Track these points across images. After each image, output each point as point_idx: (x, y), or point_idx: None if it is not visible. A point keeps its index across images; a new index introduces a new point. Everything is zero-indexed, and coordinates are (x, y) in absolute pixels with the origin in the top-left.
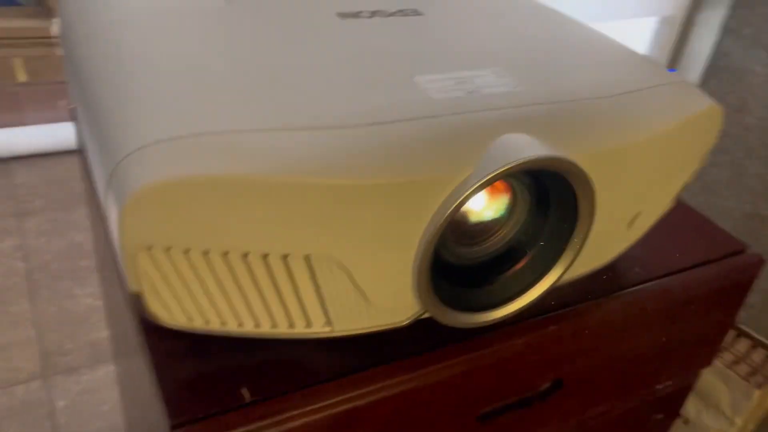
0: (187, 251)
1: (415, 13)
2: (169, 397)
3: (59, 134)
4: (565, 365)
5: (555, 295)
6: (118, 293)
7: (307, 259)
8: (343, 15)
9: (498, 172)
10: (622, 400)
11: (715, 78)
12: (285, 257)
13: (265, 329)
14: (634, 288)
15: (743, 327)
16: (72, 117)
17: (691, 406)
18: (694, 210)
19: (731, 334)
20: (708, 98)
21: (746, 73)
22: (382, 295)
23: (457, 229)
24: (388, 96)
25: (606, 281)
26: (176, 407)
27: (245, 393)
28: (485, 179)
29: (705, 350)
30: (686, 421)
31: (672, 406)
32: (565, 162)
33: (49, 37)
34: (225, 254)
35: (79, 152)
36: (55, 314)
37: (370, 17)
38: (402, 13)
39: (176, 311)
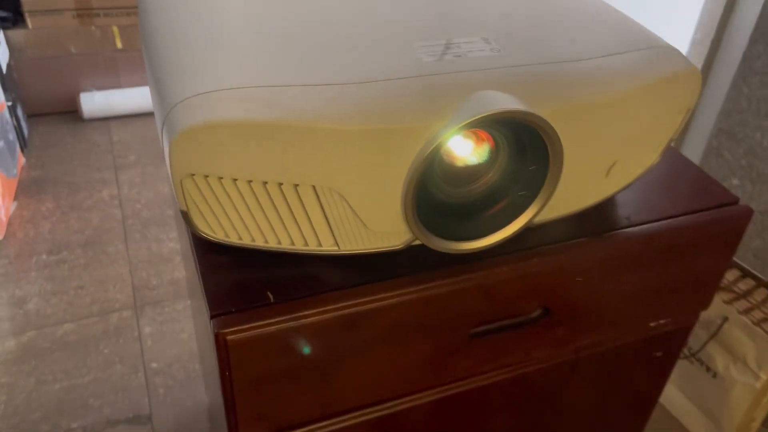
0: (220, 178)
1: None
2: (211, 296)
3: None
4: (551, 296)
5: (543, 233)
6: (187, 235)
7: (314, 188)
8: None
9: (466, 122)
10: (614, 333)
11: (761, 42)
12: (296, 186)
13: (285, 245)
14: (619, 231)
15: None
16: None
17: (719, 360)
18: (696, 166)
19: (763, 292)
20: (687, 62)
21: None
22: (378, 222)
23: (448, 172)
24: (387, 58)
25: (594, 224)
26: (215, 303)
27: (269, 295)
28: (455, 129)
29: (699, 294)
30: (715, 375)
31: (671, 344)
32: (529, 115)
33: None
34: (249, 182)
35: None
36: (145, 255)
37: None
38: None
39: (215, 227)
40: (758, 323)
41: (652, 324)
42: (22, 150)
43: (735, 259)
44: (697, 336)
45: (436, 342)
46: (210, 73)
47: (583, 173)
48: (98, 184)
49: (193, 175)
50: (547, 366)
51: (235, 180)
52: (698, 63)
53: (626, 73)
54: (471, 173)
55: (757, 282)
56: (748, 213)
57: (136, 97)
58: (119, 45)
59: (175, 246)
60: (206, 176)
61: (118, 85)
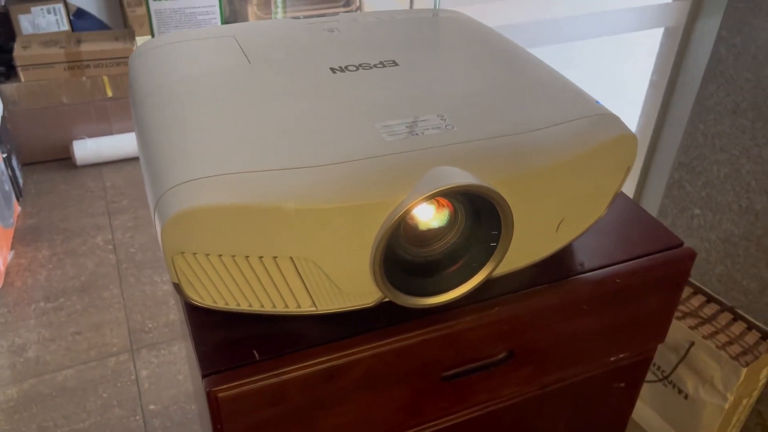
0: (207, 255)
1: (393, 63)
2: (202, 356)
3: None
4: (514, 340)
5: (504, 283)
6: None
7: (291, 259)
8: (334, 69)
9: (423, 197)
10: (576, 369)
11: (713, 83)
12: (275, 258)
13: (268, 308)
14: (573, 277)
15: (740, 311)
16: None
17: (689, 383)
18: (644, 210)
19: (727, 316)
20: (623, 127)
21: (738, 79)
22: (351, 285)
23: (412, 234)
24: (353, 140)
25: (552, 271)
26: (206, 362)
27: (255, 353)
28: (413, 203)
29: (654, 329)
30: (686, 396)
31: (632, 375)
32: (479, 187)
33: None
34: (234, 257)
35: None
36: (140, 298)
37: (356, 70)
38: (382, 65)
39: (204, 295)
40: (722, 347)
41: (612, 359)
42: (18, 199)
43: (699, 284)
44: (668, 360)
45: (410, 387)
46: (195, 162)
47: (533, 231)
48: (92, 229)
49: (183, 252)
50: (516, 402)
51: (221, 255)
52: (656, 103)
53: (569, 142)
54: (433, 235)
55: (720, 306)
56: (692, 254)
57: (127, 143)
58: (109, 93)
59: (168, 288)
60: (195, 253)
61: (109, 132)
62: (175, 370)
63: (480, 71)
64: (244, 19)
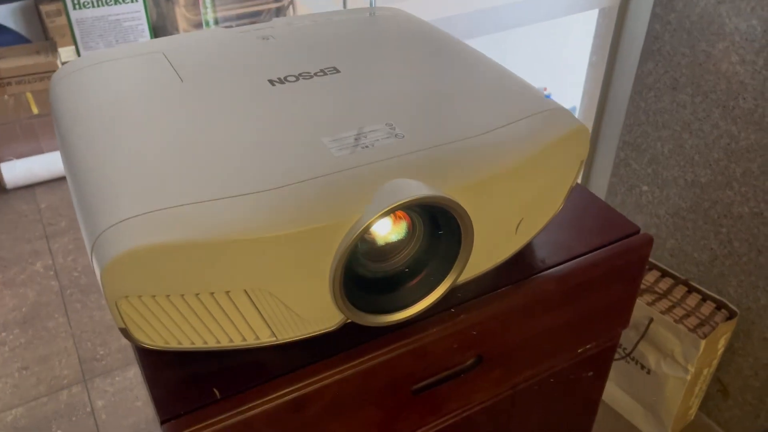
0: (153, 296)
1: (334, 70)
2: (159, 401)
3: None
4: (483, 344)
5: (467, 289)
6: None
7: (245, 292)
8: (273, 81)
9: (379, 214)
10: (546, 365)
11: (651, 61)
12: (228, 293)
13: (224, 344)
14: (535, 275)
15: (694, 283)
16: None
17: (651, 358)
18: (600, 200)
19: (681, 290)
20: (574, 120)
21: (675, 55)
22: (311, 311)
23: (370, 250)
24: (300, 158)
25: (514, 271)
26: (164, 408)
27: (216, 392)
28: (368, 222)
29: (617, 316)
30: (649, 372)
31: (599, 363)
32: (436, 198)
33: (55, 71)
34: (182, 295)
35: None
36: (88, 325)
37: (296, 80)
38: (323, 72)
39: (155, 337)
40: (680, 320)
41: (579, 350)
42: None
43: (653, 260)
44: (628, 337)
45: (381, 405)
46: (130, 198)
47: (494, 235)
48: (30, 256)
49: (127, 296)
50: (489, 405)
51: (168, 296)
52: (597, 83)
53: (523, 141)
54: (392, 249)
55: (675, 280)
56: (650, 240)
57: (59, 161)
58: (35, 110)
59: None
60: (140, 296)
61: (39, 151)
62: (132, 397)
63: (425, 73)
64: (173, 21)
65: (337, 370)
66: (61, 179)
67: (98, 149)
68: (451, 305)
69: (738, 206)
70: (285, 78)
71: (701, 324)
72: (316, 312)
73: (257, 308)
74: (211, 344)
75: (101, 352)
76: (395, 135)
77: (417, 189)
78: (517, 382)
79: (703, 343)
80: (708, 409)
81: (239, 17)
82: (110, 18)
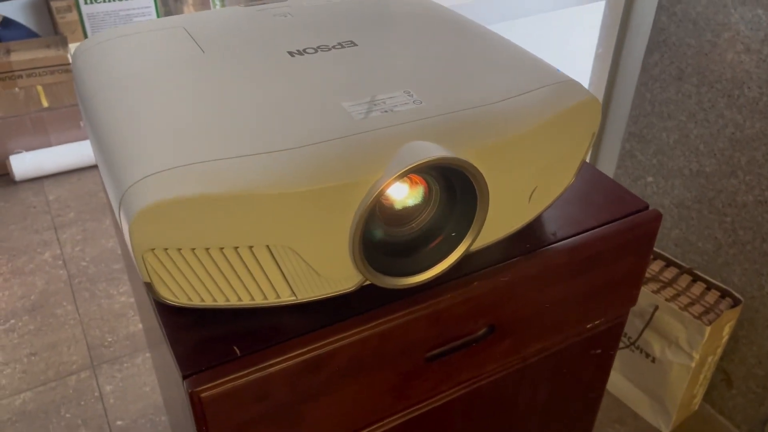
0: (179, 249)
1: (352, 44)
2: (180, 357)
3: (83, 151)
4: (495, 313)
5: (481, 257)
6: (142, 288)
7: (268, 248)
8: (292, 53)
9: (399, 173)
10: (554, 339)
11: (657, 52)
12: (251, 248)
13: (246, 301)
14: (547, 247)
15: (698, 272)
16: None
17: (656, 346)
18: (610, 178)
19: (686, 279)
20: (587, 92)
21: (681, 46)
22: (330, 270)
23: (388, 214)
24: (321, 121)
25: (526, 242)
26: (185, 363)
27: (236, 349)
28: (389, 180)
29: (626, 293)
30: (653, 360)
31: (607, 341)
32: (453, 159)
33: (66, 64)
34: (207, 250)
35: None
36: (96, 313)
37: (315, 52)
38: (341, 45)
39: (178, 293)
40: (685, 308)
41: (588, 326)
42: None
43: (658, 249)
44: (633, 325)
45: (395, 370)
46: (157, 154)
47: (508, 202)
48: (39, 246)
49: (154, 249)
50: (499, 377)
51: (194, 249)
52: (603, 74)
53: (535, 110)
54: (409, 213)
55: (680, 269)
56: (658, 216)
57: (67, 154)
58: (45, 104)
59: (126, 300)
60: (166, 249)
61: (48, 144)
62: (140, 383)
63: (441, 47)
64: None
65: (354, 332)
66: (69, 173)
67: (122, 113)
68: (466, 273)
69: (743, 195)
70: (304, 50)
71: (706, 311)
72: (336, 271)
73: (278, 265)
74: (233, 302)
75: (109, 339)
76: (413, 101)
77: (435, 150)
78: (527, 354)
79: (708, 329)
80: (712, 399)
81: None
82: (121, 13)
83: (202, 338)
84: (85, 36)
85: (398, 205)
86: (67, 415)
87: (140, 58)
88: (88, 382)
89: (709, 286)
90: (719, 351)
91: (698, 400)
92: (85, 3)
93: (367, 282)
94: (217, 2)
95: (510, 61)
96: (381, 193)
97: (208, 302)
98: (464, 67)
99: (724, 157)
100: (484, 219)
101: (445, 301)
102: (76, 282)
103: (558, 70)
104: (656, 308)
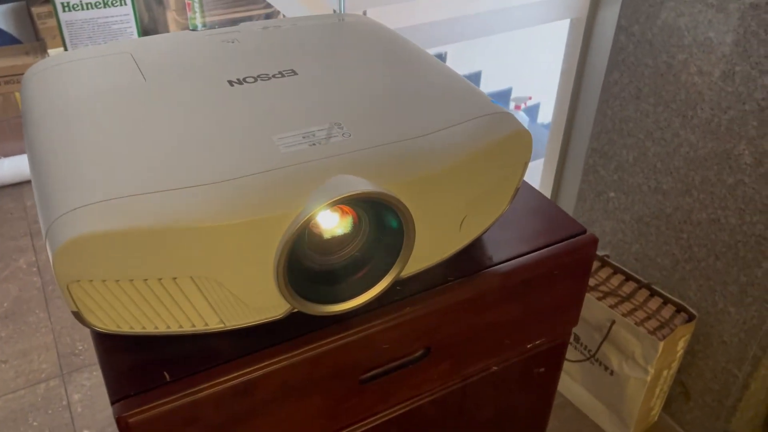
0: (104, 280)
1: (292, 73)
2: (110, 381)
3: None
4: (429, 336)
5: (415, 282)
6: None
7: (192, 279)
8: (232, 82)
9: (321, 207)
10: (494, 359)
11: (616, 70)
12: (174, 279)
13: (175, 329)
14: (482, 271)
15: (656, 287)
16: None
17: (613, 359)
18: (551, 202)
19: (644, 293)
20: (518, 124)
21: (638, 65)
22: (257, 299)
23: (317, 243)
24: (249, 153)
25: (461, 267)
26: (115, 387)
27: (166, 375)
28: (310, 214)
29: (567, 314)
30: (612, 373)
31: (551, 359)
32: (377, 193)
33: None
34: (131, 280)
35: None
36: (68, 320)
37: (254, 81)
38: (281, 74)
39: (107, 321)
40: (641, 323)
41: (529, 345)
42: None
43: (618, 264)
44: (593, 338)
45: (328, 393)
46: (85, 187)
47: (437, 231)
48: (14, 252)
49: (78, 280)
50: (440, 395)
51: (118, 281)
52: (567, 90)
53: (464, 142)
54: (338, 242)
55: (638, 284)
56: (594, 240)
57: None
58: None
59: None
60: (90, 280)
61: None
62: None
63: (377, 77)
64: (164, 25)
65: (284, 357)
66: None
67: (57, 142)
68: (398, 298)
69: (697, 213)
70: (244, 79)
71: (661, 326)
72: (263, 300)
73: (204, 295)
74: (162, 329)
75: (80, 347)
76: (342, 134)
77: (358, 184)
78: (468, 374)
79: (661, 344)
80: (671, 411)
81: (231, 22)
82: (99, 20)
83: (134, 363)
84: (64, 43)
85: (327, 235)
86: (35, 424)
87: (83, 86)
88: (56, 390)
89: (666, 301)
90: (675, 365)
91: (656, 412)
92: (63, 11)
93: (296, 309)
94: (197, 10)
95: (445, 91)
96: (303, 226)
97: (137, 330)
98: (398, 99)
99: (679, 175)
100: (411, 250)
101: (377, 326)
102: (50, 290)
103: (492, 101)
104: (613, 323)
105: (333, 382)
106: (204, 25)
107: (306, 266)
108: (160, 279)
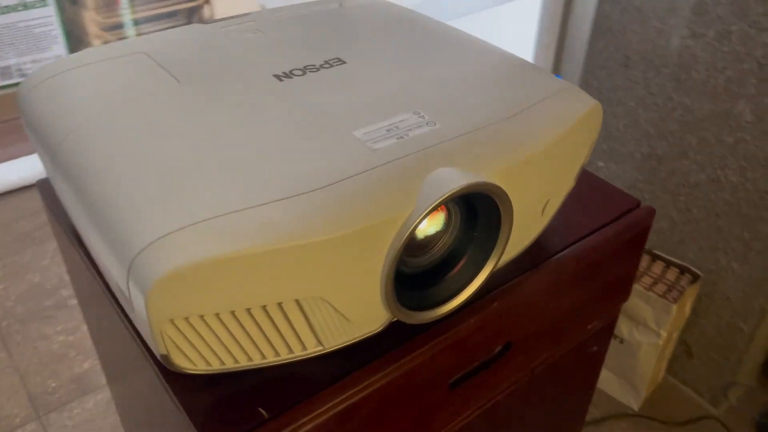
0: (202, 316)
1: (339, 61)
2: (202, 427)
3: None
4: (512, 330)
5: (494, 277)
6: (120, 329)
7: (297, 301)
8: (279, 76)
9: (432, 206)
10: (561, 345)
11: (601, 39)
12: (280, 304)
13: (270, 359)
14: (554, 256)
15: (657, 251)
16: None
17: (623, 327)
18: (595, 176)
19: (647, 259)
20: (590, 98)
21: (626, 32)
22: (359, 313)
23: (409, 245)
24: (338, 155)
25: (532, 256)
26: None
27: (262, 412)
28: (423, 215)
29: (621, 290)
30: (622, 341)
31: (603, 338)
32: (484, 184)
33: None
34: (232, 312)
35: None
36: (33, 357)
37: (303, 74)
38: (328, 64)
39: (197, 361)
40: (650, 288)
41: (588, 327)
42: None
43: None
44: None
45: (421, 402)
46: (163, 211)
47: (525, 217)
48: None
49: (173, 320)
50: (510, 391)
51: (218, 314)
52: (548, 64)
53: (550, 121)
54: (427, 242)
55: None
56: (652, 212)
57: None
58: None
59: (66, 339)
60: (187, 318)
61: None
62: (95, 428)
63: (429, 59)
64: (80, 26)
65: (383, 373)
66: None
67: (103, 163)
68: (482, 294)
69: (695, 174)
70: (291, 72)
71: (669, 289)
72: (365, 314)
73: (307, 317)
74: (257, 361)
75: (53, 385)
76: (426, 123)
77: (464, 178)
78: (535, 365)
79: (674, 307)
80: (673, 371)
81: (157, 18)
82: (20, 25)
83: (219, 401)
84: None
85: (420, 234)
86: None
87: (107, 95)
88: None
89: (668, 264)
90: (682, 326)
91: (663, 373)
92: None
93: (393, 320)
94: (127, 5)
95: (504, 69)
96: (415, 228)
97: (229, 365)
98: (462, 80)
99: (674, 139)
100: (508, 239)
101: (468, 326)
102: (5, 325)
103: (557, 76)
104: None
105: (425, 390)
106: (135, 22)
107: (402, 273)
108: (264, 306)
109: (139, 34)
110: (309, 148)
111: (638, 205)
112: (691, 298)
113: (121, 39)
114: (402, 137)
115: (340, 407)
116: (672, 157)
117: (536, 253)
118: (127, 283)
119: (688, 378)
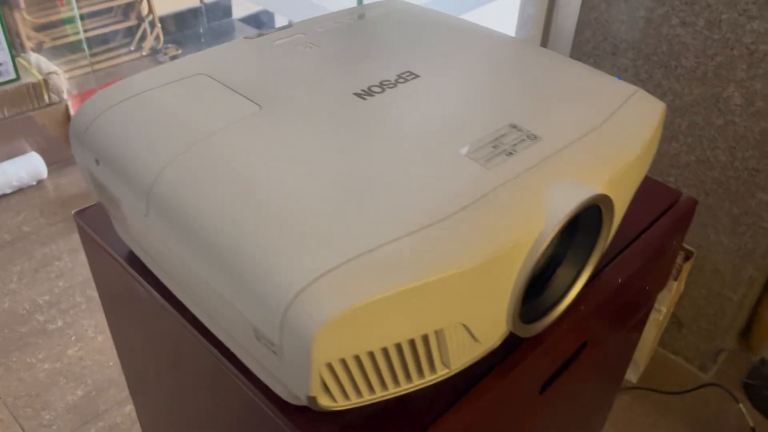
0: (357, 356)
1: (412, 75)
2: None
3: None
4: (587, 329)
5: None
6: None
7: (439, 331)
8: (359, 95)
9: (562, 224)
10: (615, 337)
11: (588, 29)
12: (425, 336)
13: (403, 386)
14: (621, 252)
15: None
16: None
17: None
18: None
19: None
20: (658, 100)
21: (613, 22)
22: (487, 333)
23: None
24: (455, 176)
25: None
26: None
27: None
28: (554, 233)
29: (663, 278)
30: None
31: (640, 324)
32: (601, 197)
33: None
34: (383, 348)
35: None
36: (20, 389)
37: (382, 91)
38: (403, 78)
39: (340, 398)
40: None
41: (638, 316)
42: None
43: None
44: None
45: (519, 409)
46: (313, 249)
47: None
48: None
49: (329, 363)
50: (574, 388)
51: (371, 352)
52: None
53: (637, 128)
54: None
55: None
56: (694, 202)
57: None
58: None
59: (51, 366)
60: (342, 359)
61: None
62: None
63: (497, 67)
64: (10, 27)
65: (500, 382)
66: None
67: (231, 205)
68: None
69: (684, 156)
70: (370, 89)
71: None
72: (490, 332)
73: (446, 343)
74: (391, 390)
75: (47, 417)
76: (527, 136)
77: (586, 191)
78: (594, 358)
79: (675, 284)
80: (663, 342)
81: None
82: None
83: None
84: None
85: None
86: None
87: (188, 124)
88: None
89: None
90: (676, 300)
91: (656, 345)
92: None
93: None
94: (74, 4)
95: (570, 75)
96: (549, 244)
97: (367, 397)
98: (538, 89)
99: (665, 123)
100: (607, 243)
101: (560, 331)
102: None
103: (617, 79)
104: None
105: (521, 397)
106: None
107: None
108: (412, 341)
109: (75, 33)
110: (423, 173)
111: (679, 196)
112: (685, 275)
113: (55, 39)
114: (511, 153)
115: (468, 422)
116: (661, 141)
117: (606, 253)
118: (278, 328)
119: (677, 347)
